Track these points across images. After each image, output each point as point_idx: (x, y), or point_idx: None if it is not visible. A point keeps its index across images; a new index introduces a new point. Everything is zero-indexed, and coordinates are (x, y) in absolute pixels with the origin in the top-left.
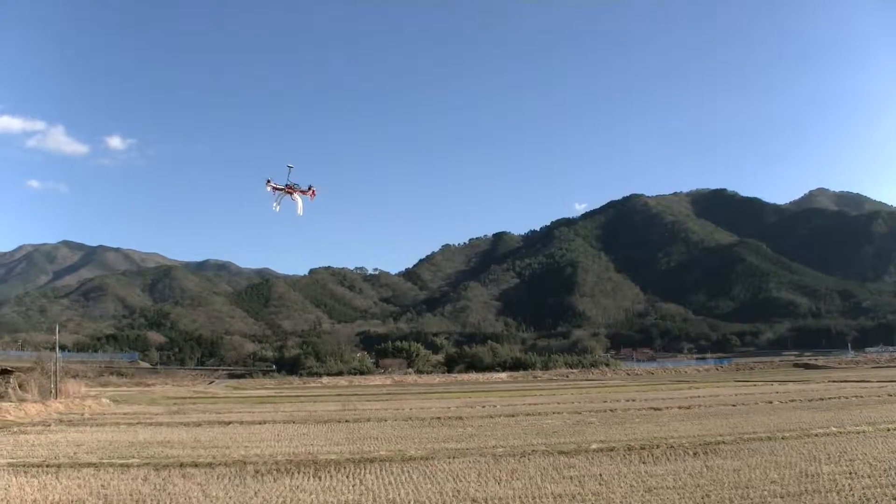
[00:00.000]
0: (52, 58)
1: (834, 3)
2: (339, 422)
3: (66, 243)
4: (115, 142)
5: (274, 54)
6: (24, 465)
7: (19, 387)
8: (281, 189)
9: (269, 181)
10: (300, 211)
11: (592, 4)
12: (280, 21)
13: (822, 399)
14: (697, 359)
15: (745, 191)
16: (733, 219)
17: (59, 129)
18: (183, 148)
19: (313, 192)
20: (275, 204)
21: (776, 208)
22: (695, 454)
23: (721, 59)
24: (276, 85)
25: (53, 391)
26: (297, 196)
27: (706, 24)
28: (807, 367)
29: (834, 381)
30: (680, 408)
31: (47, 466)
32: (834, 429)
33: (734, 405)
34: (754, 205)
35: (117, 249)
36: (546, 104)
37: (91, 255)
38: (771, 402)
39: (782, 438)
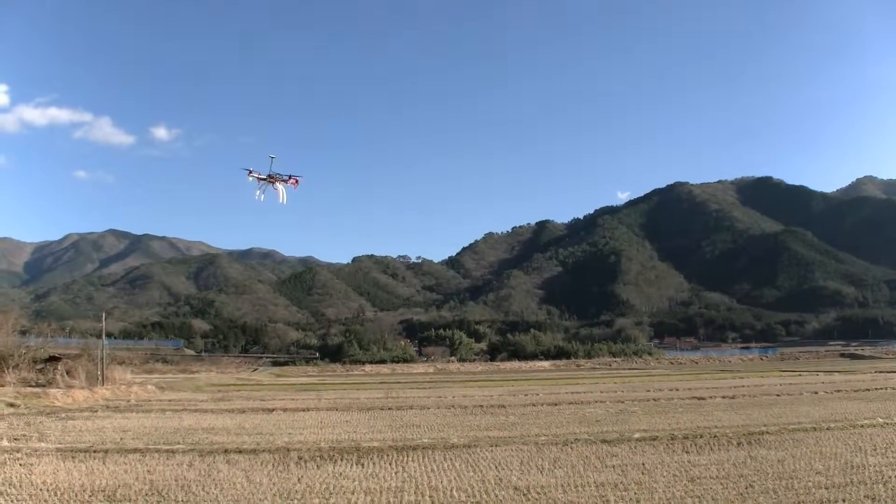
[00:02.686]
0: (99, 50)
1: None
2: (382, 409)
3: (112, 232)
4: (161, 132)
5: (319, 46)
6: (71, 451)
7: (67, 373)
8: (264, 179)
9: (250, 171)
10: (283, 199)
11: (630, 3)
12: (325, 13)
13: (868, 390)
14: (742, 348)
15: (792, 179)
16: (779, 207)
17: (106, 121)
18: (228, 138)
19: (296, 181)
20: (258, 193)
21: (823, 196)
22: (738, 444)
23: (764, 44)
24: (320, 75)
25: (100, 378)
26: (279, 185)
27: (752, 8)
28: (853, 357)
29: (881, 372)
30: (724, 397)
31: (94, 452)
32: (880, 420)
33: (779, 395)
34: (801, 193)
35: (163, 238)
36: (589, 93)
37: (137, 243)
38: (816, 393)
39: (827, 429)
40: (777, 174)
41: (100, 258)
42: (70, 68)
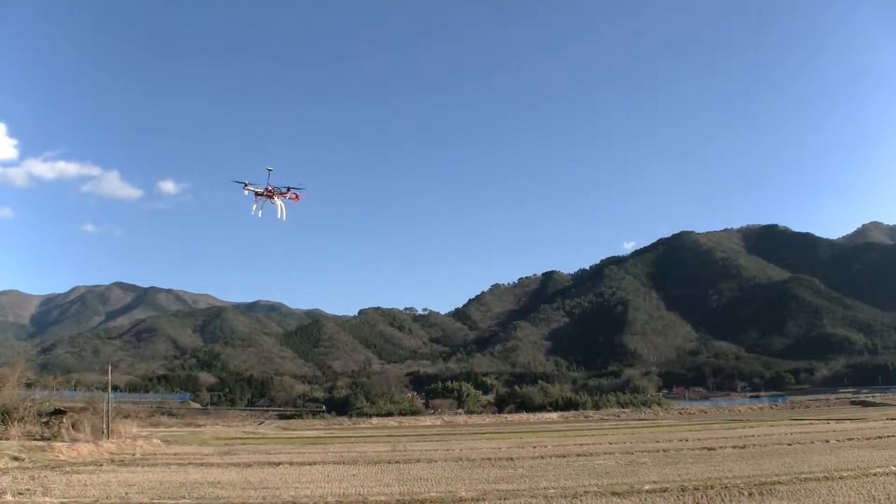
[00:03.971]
0: (106, 106)
1: (885, 29)
2: (389, 463)
3: (118, 285)
4: (168, 186)
5: (329, 105)
6: None
7: (72, 427)
8: (261, 193)
9: (245, 184)
10: (282, 216)
11: (635, 56)
12: (336, 75)
13: (880, 437)
14: (751, 397)
15: (797, 226)
16: (785, 254)
17: (114, 175)
18: (235, 192)
19: (296, 195)
20: (255, 208)
21: (829, 243)
22: (750, 495)
23: (767, 92)
24: (330, 133)
25: (105, 431)
26: (277, 200)
27: (754, 57)
28: (864, 404)
29: (893, 419)
30: (734, 447)
31: None
32: (893, 468)
33: (790, 444)
34: (807, 240)
35: (169, 290)
36: (593, 144)
37: (143, 296)
38: (828, 441)
39: (840, 478)
40: (782, 221)
41: (106, 311)
42: (78, 123)
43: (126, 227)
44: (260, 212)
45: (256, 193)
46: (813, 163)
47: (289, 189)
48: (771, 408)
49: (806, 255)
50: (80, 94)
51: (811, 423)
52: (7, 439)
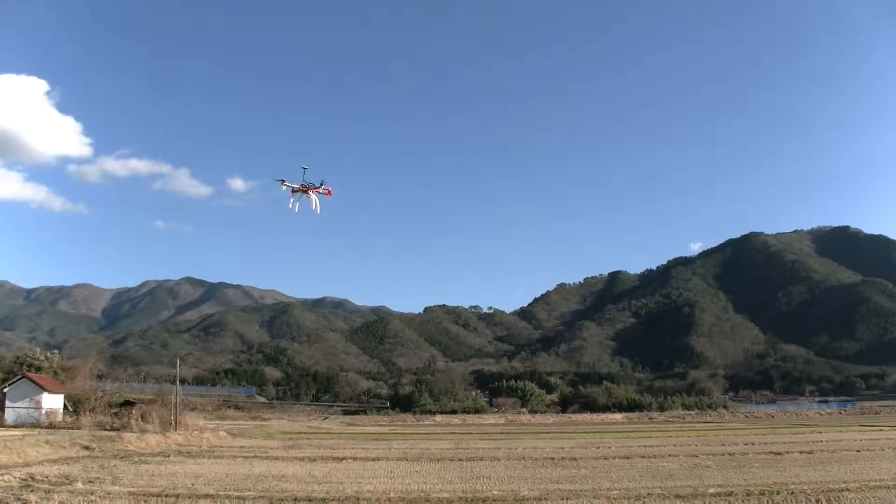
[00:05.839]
0: (178, 104)
1: None
2: (452, 460)
3: (188, 280)
4: (237, 183)
5: (399, 114)
6: (144, 494)
7: (141, 418)
8: (297, 189)
9: (283, 181)
10: (317, 209)
11: (703, 70)
12: (412, 82)
13: None
14: (820, 402)
15: (870, 228)
16: (857, 257)
17: (184, 172)
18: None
19: (328, 190)
20: (291, 202)
21: None
22: (817, 501)
23: (839, 91)
24: (398, 140)
25: (173, 423)
26: (312, 195)
27: (825, 56)
28: None
29: None
30: (801, 452)
31: (166, 496)
32: None
33: (859, 451)
34: (879, 242)
35: (237, 286)
36: (662, 148)
37: (212, 291)
38: None
39: None
40: (854, 223)
41: (175, 305)
42: (150, 122)
43: (196, 224)
44: (296, 206)
45: (293, 189)
46: (886, 163)
47: (321, 184)
48: (840, 413)
49: (878, 258)
50: (152, 94)
51: (881, 430)
52: (78, 428)
